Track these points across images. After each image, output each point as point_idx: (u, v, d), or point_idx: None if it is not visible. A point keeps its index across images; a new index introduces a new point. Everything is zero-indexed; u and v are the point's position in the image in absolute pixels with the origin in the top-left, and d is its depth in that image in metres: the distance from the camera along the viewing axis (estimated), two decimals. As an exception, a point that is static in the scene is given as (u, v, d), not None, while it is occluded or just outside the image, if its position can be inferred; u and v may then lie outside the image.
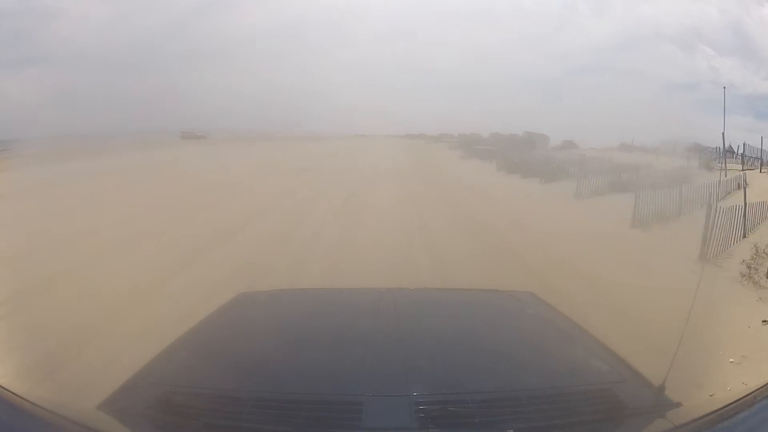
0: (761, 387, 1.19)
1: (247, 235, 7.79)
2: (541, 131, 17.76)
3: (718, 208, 7.35)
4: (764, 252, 6.80)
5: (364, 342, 1.67)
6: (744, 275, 6.35)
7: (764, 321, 4.80)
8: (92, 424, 1.21)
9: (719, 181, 10.76)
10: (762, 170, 11.96)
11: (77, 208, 8.63)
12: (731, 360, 3.96)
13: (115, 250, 6.56)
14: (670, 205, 9.34)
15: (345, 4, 21.21)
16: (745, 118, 13.93)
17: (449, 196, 11.98)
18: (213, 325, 1.93)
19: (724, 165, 12.08)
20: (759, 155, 12.16)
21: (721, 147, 12.35)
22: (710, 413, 1.16)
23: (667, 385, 1.38)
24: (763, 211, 8.78)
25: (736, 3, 14.98)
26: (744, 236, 8.01)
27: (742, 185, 9.76)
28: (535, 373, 1.52)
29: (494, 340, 1.81)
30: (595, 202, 10.95)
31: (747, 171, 11.55)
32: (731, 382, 3.43)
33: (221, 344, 1.77)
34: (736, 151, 12.52)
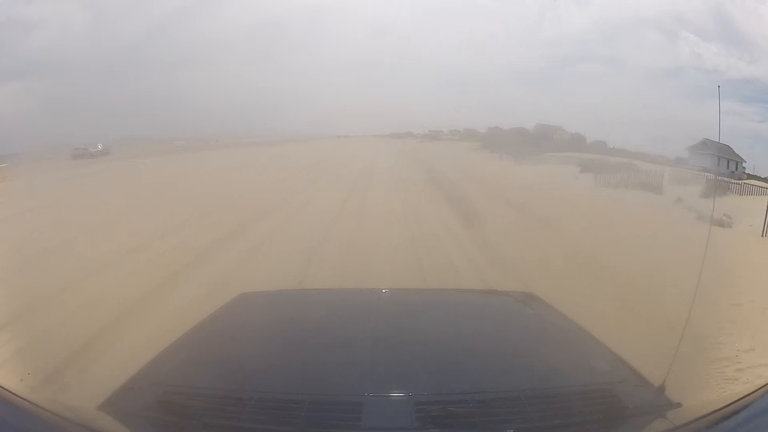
0: (761, 387, 1.19)
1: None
2: (530, 123, 17.15)
3: None
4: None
5: (364, 342, 1.66)
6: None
7: None
8: (92, 424, 1.22)
9: None
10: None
11: None
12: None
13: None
14: None
15: (323, 3, 20.37)
16: (730, 102, 13.93)
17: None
18: (213, 325, 1.93)
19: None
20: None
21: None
22: (710, 413, 1.16)
23: (667, 385, 1.38)
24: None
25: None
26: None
27: None
28: (535, 373, 1.52)
29: (494, 340, 1.81)
30: None
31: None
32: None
33: (221, 344, 1.77)
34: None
